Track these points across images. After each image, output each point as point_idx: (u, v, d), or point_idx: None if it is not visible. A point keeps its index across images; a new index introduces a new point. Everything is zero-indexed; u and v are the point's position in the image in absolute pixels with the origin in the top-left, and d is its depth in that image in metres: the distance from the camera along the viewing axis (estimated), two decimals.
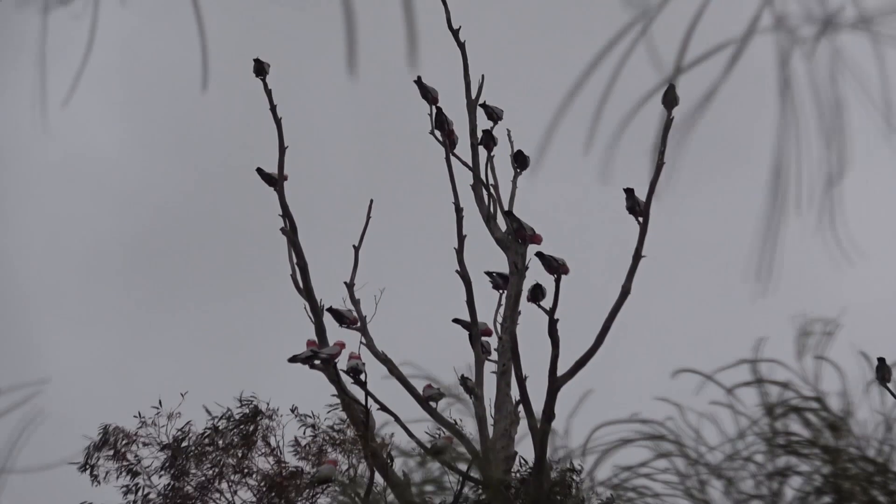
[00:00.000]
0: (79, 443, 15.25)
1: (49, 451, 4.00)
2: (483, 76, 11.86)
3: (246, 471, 15.59)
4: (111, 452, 15.57)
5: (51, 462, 3.96)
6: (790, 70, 2.64)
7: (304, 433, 15.79)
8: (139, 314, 18.72)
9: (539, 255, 10.51)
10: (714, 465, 3.96)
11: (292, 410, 15.84)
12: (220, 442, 15.62)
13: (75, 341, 18.55)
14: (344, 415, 15.45)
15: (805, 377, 4.01)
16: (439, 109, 11.86)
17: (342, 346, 10.82)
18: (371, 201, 12.01)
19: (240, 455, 15.58)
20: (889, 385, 6.35)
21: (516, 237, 11.18)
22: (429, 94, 11.81)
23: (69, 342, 18.49)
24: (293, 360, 10.69)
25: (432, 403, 10.78)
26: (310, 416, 15.78)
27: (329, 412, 15.51)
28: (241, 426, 15.65)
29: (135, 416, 15.74)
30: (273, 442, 15.77)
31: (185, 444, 15.58)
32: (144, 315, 18.71)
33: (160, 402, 15.75)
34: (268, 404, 15.82)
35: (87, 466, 15.46)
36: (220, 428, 15.62)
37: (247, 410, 15.73)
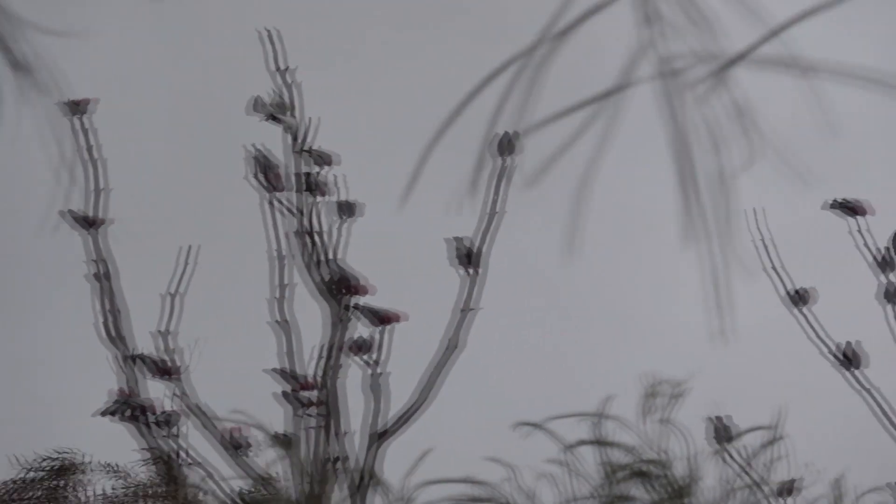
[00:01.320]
0: None
1: None
2: (316, 118, 11.48)
3: None
4: None
5: None
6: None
7: (112, 486, 15.23)
8: None
9: (356, 307, 10.30)
10: None
11: (85, 462, 15.26)
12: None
13: None
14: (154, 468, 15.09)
15: (649, 439, 3.80)
16: (258, 151, 11.49)
17: (152, 403, 10.60)
18: (189, 247, 11.62)
19: None
20: (728, 447, 6.14)
21: (339, 288, 10.91)
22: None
23: None
24: (104, 413, 10.42)
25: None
26: (113, 469, 15.25)
27: (137, 465, 15.05)
28: (47, 483, 14.96)
29: None
30: (83, 496, 15.16)
31: None
32: None
33: None
34: (64, 460, 15.18)
35: None
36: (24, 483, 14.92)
37: (49, 466, 15.06)
